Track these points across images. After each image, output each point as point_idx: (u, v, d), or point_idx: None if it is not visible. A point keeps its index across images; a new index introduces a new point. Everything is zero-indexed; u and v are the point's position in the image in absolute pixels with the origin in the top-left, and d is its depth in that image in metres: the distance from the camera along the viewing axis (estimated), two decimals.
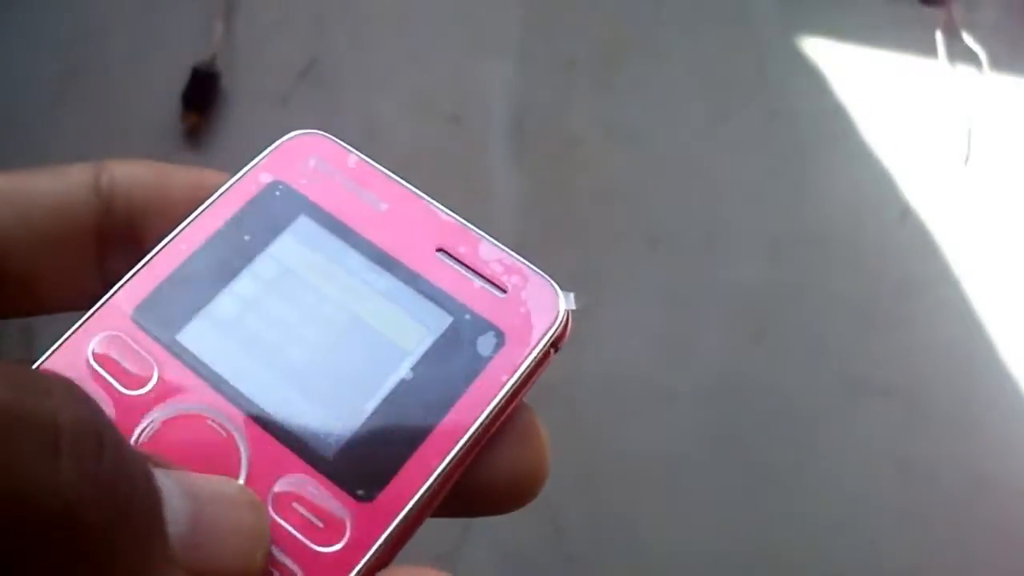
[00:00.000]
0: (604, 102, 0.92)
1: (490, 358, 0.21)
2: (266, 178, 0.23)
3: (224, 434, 0.20)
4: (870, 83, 0.92)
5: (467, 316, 0.22)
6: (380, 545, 0.19)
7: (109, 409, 0.20)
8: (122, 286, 0.22)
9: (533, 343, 0.21)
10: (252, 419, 0.20)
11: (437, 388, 0.21)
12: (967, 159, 0.88)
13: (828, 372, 0.81)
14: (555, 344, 0.22)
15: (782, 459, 0.78)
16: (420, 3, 0.98)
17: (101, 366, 0.21)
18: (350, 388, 0.21)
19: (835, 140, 0.90)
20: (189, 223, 0.22)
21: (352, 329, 0.22)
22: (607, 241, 0.86)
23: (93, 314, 0.22)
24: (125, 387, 0.21)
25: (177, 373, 0.21)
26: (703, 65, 0.94)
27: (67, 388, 0.15)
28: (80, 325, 0.21)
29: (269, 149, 0.24)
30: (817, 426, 0.79)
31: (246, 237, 0.22)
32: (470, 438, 0.20)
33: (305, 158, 0.23)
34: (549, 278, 0.22)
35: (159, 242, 0.22)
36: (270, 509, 0.19)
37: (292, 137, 0.24)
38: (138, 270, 0.22)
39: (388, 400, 0.21)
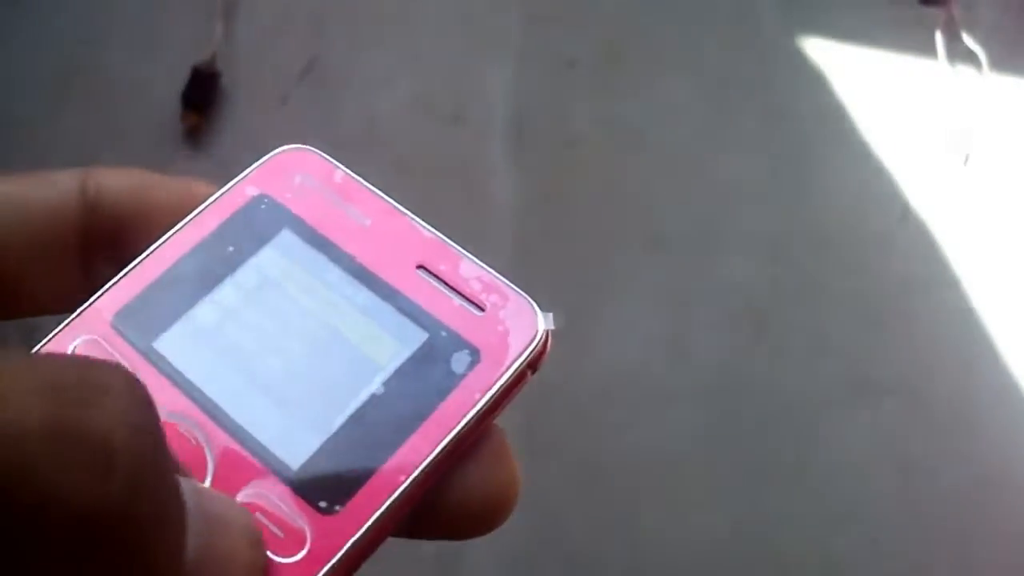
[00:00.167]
0: (604, 102, 0.92)
1: (464, 375, 0.21)
2: (252, 191, 0.24)
3: (194, 442, 0.20)
4: (870, 83, 0.92)
5: (443, 333, 0.22)
6: (339, 559, 0.19)
7: None
8: (104, 292, 0.22)
9: (508, 362, 0.21)
10: (221, 427, 0.20)
11: (408, 404, 0.21)
12: (967, 159, 0.88)
13: (828, 371, 0.81)
14: (533, 365, 0.22)
15: (782, 459, 0.78)
16: (420, 3, 0.98)
17: None
18: (321, 401, 0.21)
19: (835, 140, 0.90)
20: (174, 233, 0.23)
21: (327, 342, 0.22)
22: (607, 241, 0.86)
23: (74, 318, 0.22)
24: None
25: (152, 380, 0.21)
26: (703, 65, 0.94)
27: (126, 390, 0.14)
28: (60, 329, 0.22)
29: (257, 163, 0.24)
30: (817, 425, 0.79)
31: (229, 248, 0.23)
32: (438, 455, 0.20)
33: (292, 173, 0.24)
34: (529, 298, 0.22)
35: (144, 250, 0.23)
36: None
37: (280, 152, 0.24)
38: (121, 277, 0.22)
39: (358, 414, 0.21)
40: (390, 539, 0.21)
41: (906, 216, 0.86)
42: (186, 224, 0.23)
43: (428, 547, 0.74)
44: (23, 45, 0.95)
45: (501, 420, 0.22)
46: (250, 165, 0.24)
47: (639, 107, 0.92)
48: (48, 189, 0.22)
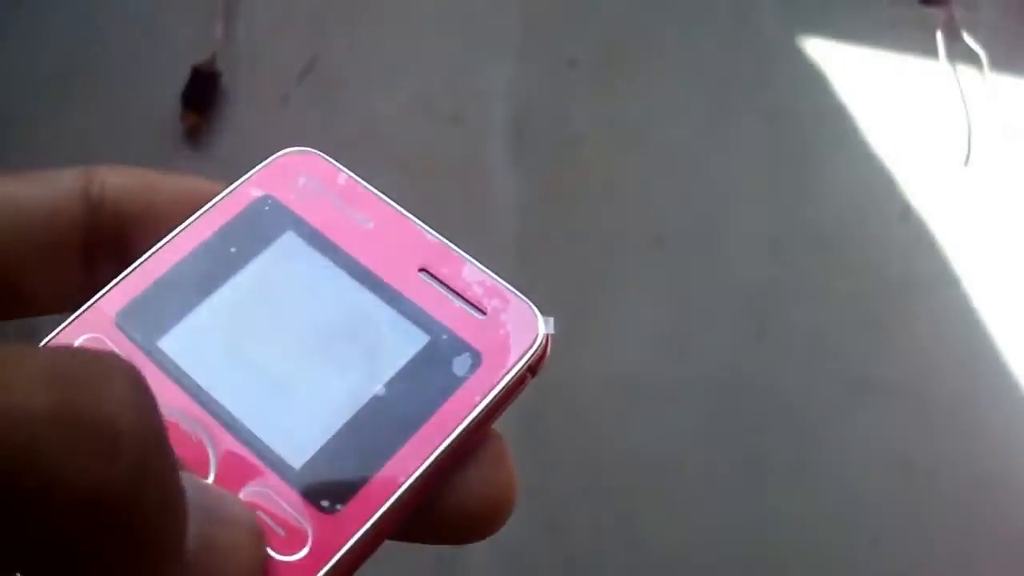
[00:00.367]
0: (604, 102, 0.92)
1: (465, 378, 0.21)
2: (256, 192, 0.24)
3: (196, 440, 0.20)
4: (870, 83, 0.92)
5: (444, 336, 0.22)
6: (340, 558, 0.19)
7: None
8: (108, 290, 0.22)
9: (509, 366, 0.21)
10: (223, 426, 0.21)
11: (409, 406, 0.21)
12: (967, 159, 0.88)
13: (829, 371, 0.81)
14: (533, 368, 0.22)
15: (783, 458, 0.78)
16: (420, 3, 0.98)
17: None
18: (323, 401, 0.21)
19: (836, 140, 0.90)
20: (178, 232, 0.23)
21: (330, 344, 0.22)
22: (608, 241, 0.86)
23: (78, 316, 0.22)
24: None
25: (155, 378, 0.21)
26: (703, 65, 0.94)
27: (128, 377, 0.14)
28: (64, 327, 0.22)
29: (261, 165, 0.24)
30: (818, 426, 0.79)
31: (232, 249, 0.23)
32: (438, 457, 0.20)
33: (296, 175, 0.24)
34: (530, 302, 0.22)
35: (148, 250, 0.23)
36: None
37: (284, 154, 0.24)
38: (125, 275, 0.22)
39: (359, 415, 0.21)
40: (389, 539, 0.21)
41: (906, 216, 0.86)
42: (190, 224, 0.23)
43: (428, 547, 0.74)
44: (23, 45, 0.95)
45: (502, 419, 0.22)
46: (250, 165, 0.24)
47: (639, 107, 0.92)
48: (51, 188, 0.22)
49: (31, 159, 0.86)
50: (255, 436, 0.21)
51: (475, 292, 0.22)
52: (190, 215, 0.23)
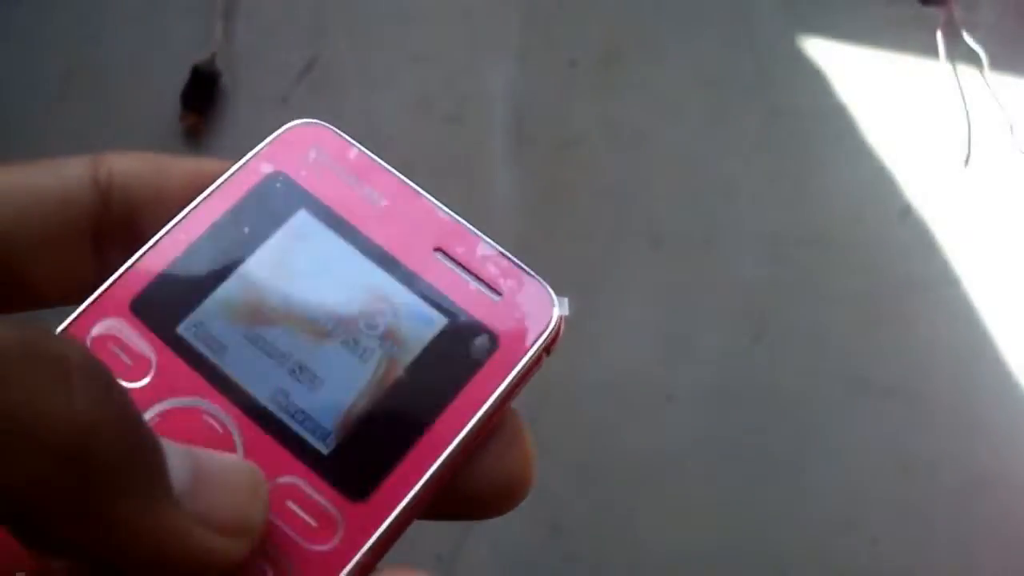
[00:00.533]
0: (604, 102, 0.92)
1: (483, 361, 0.21)
2: (266, 168, 0.23)
3: (220, 429, 0.20)
4: (870, 83, 0.92)
5: (462, 318, 0.22)
6: (371, 545, 0.19)
7: None
8: (120, 276, 0.22)
9: (526, 347, 0.21)
10: (248, 415, 0.20)
11: (431, 390, 0.21)
12: (967, 159, 0.88)
13: (828, 372, 0.81)
14: (548, 348, 0.22)
15: (782, 459, 0.78)
16: (420, 3, 0.98)
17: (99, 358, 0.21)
18: (345, 386, 0.21)
19: (835, 140, 0.90)
20: (189, 213, 0.22)
21: (347, 327, 0.21)
22: (607, 241, 0.86)
23: (91, 304, 0.21)
24: (122, 379, 0.20)
25: (174, 366, 0.21)
26: (703, 65, 0.94)
27: (70, 336, 0.16)
28: (77, 316, 0.21)
29: (270, 138, 0.24)
30: (817, 425, 0.79)
31: (245, 229, 0.22)
32: (462, 440, 0.20)
33: (306, 149, 0.23)
34: (545, 283, 0.22)
35: (159, 230, 0.22)
36: None
37: (293, 126, 0.24)
38: (136, 260, 0.22)
39: (382, 400, 0.21)
40: None
41: (906, 216, 0.86)
42: (200, 203, 0.22)
43: (428, 547, 0.74)
44: (23, 44, 0.95)
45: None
46: None
47: (639, 107, 0.92)
48: (59, 175, 0.22)
49: (31, 158, 0.85)
50: (281, 424, 0.20)
51: (491, 272, 0.22)
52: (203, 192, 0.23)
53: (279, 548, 0.19)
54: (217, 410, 0.20)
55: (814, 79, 0.92)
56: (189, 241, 0.22)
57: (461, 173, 0.89)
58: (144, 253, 0.22)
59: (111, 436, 0.15)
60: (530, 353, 0.21)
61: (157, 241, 0.22)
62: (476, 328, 0.21)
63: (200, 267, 0.22)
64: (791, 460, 0.78)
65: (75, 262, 0.22)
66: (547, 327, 0.22)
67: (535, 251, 0.84)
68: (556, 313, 0.22)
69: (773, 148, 0.90)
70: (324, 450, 0.20)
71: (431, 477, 0.20)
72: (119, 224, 0.22)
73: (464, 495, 0.21)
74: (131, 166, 0.23)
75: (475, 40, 0.95)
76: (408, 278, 0.22)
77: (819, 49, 0.94)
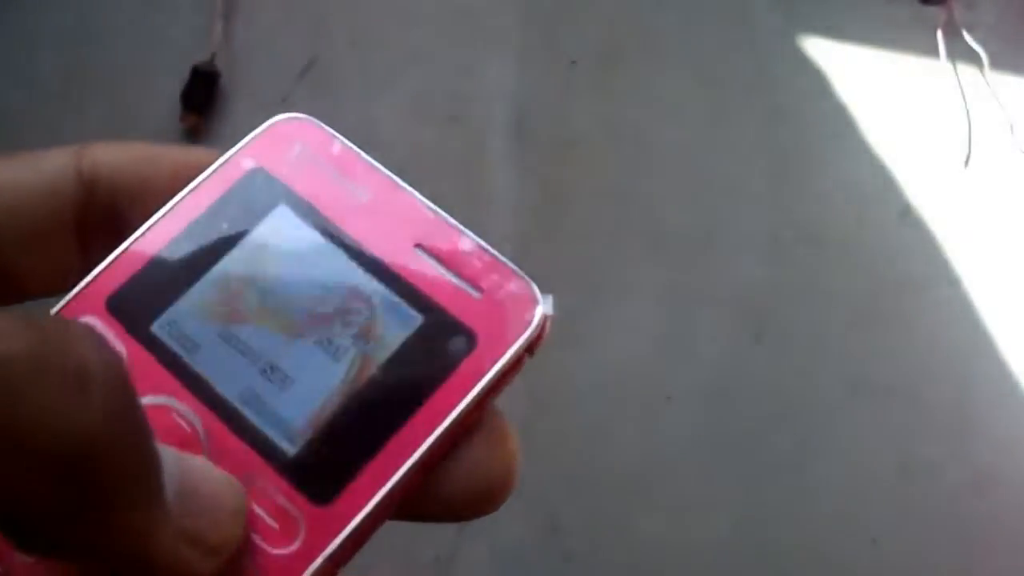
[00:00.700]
0: (604, 102, 0.92)
1: (460, 361, 0.20)
2: (248, 164, 0.23)
3: (187, 427, 0.20)
4: (870, 83, 0.92)
5: (440, 316, 0.21)
6: (332, 551, 0.19)
7: None
8: (99, 274, 0.22)
9: (506, 347, 0.21)
10: (215, 413, 0.20)
11: (404, 389, 0.20)
12: (967, 159, 0.88)
13: (828, 372, 0.81)
14: (530, 348, 0.21)
15: (782, 459, 0.78)
16: (420, 3, 0.98)
17: None
18: (317, 385, 0.21)
19: (835, 140, 0.90)
20: (169, 210, 0.22)
21: (323, 325, 0.21)
22: (607, 241, 0.86)
23: (68, 301, 0.21)
24: None
25: (146, 364, 0.21)
26: (703, 65, 0.94)
27: (93, 334, 0.15)
28: (55, 313, 0.21)
29: (254, 133, 0.23)
30: (817, 426, 0.79)
31: (224, 226, 0.22)
32: (433, 443, 0.20)
33: (290, 144, 0.23)
34: (529, 280, 0.21)
35: (138, 229, 0.22)
36: None
37: (278, 121, 0.23)
38: (115, 257, 0.22)
39: (353, 400, 0.20)
40: (388, 540, 0.21)
41: (906, 216, 0.86)
42: (181, 200, 0.22)
43: (427, 547, 0.74)
44: (23, 44, 0.95)
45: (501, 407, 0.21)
46: None
47: (639, 107, 0.92)
48: (42, 168, 0.22)
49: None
50: (248, 423, 0.20)
51: (472, 269, 0.21)
52: (184, 188, 0.22)
53: (241, 549, 0.19)
54: (186, 409, 0.20)
55: (814, 79, 0.92)
56: (167, 239, 0.22)
57: (461, 173, 0.89)
58: (123, 251, 0.22)
59: (121, 450, 0.15)
60: (509, 354, 0.20)
61: (136, 239, 0.22)
62: (454, 327, 0.21)
63: (177, 265, 0.22)
64: (791, 460, 0.78)
65: (60, 254, 0.22)
66: (529, 327, 0.21)
67: (535, 251, 0.84)
68: (539, 312, 0.21)
69: (773, 148, 0.90)
70: (290, 451, 0.20)
71: (398, 481, 0.19)
72: (104, 215, 0.22)
73: (444, 497, 0.20)
74: (116, 157, 0.22)
75: (475, 40, 0.95)
76: (386, 274, 0.22)
77: (819, 49, 0.94)
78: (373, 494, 0.19)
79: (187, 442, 0.20)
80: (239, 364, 0.21)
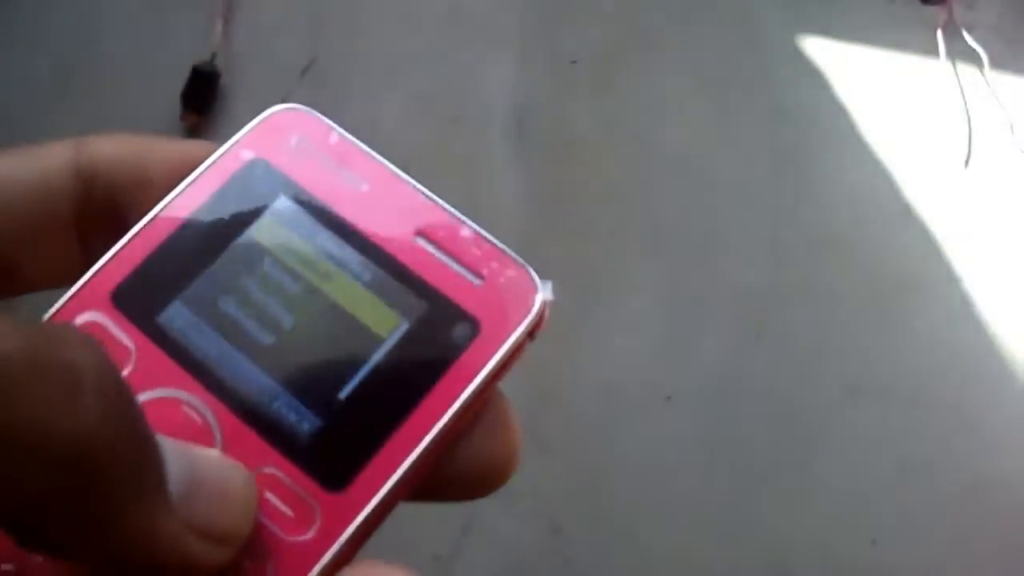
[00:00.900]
0: (604, 102, 0.92)
1: (464, 347, 0.21)
2: (247, 155, 0.23)
3: (199, 420, 0.20)
4: (870, 83, 0.92)
5: (443, 303, 0.21)
6: (349, 536, 0.19)
7: None
8: (102, 267, 0.22)
9: (508, 333, 0.21)
10: (226, 405, 0.20)
11: (410, 376, 0.21)
12: (967, 159, 0.88)
13: (828, 372, 0.81)
14: (531, 333, 0.21)
15: (782, 460, 0.78)
16: (420, 3, 0.98)
17: None
18: (324, 374, 0.21)
19: (835, 140, 0.90)
20: (169, 202, 0.22)
21: (328, 314, 0.21)
22: (607, 240, 0.86)
23: (72, 297, 0.21)
24: None
25: (154, 357, 0.21)
26: (704, 65, 0.94)
27: (85, 336, 0.15)
28: (59, 308, 0.21)
29: (251, 124, 0.24)
30: (817, 426, 0.79)
31: (225, 218, 0.22)
32: (442, 428, 0.20)
33: (287, 135, 0.23)
34: (529, 267, 0.22)
35: (140, 221, 0.22)
36: None
37: (275, 112, 0.24)
38: (117, 251, 0.22)
39: (361, 387, 0.21)
40: (388, 538, 0.21)
41: (906, 216, 0.86)
42: (181, 192, 0.22)
43: (427, 547, 0.74)
44: (23, 44, 0.95)
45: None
46: None
47: (639, 107, 0.92)
48: (40, 161, 0.22)
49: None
50: (258, 414, 0.20)
51: (473, 257, 0.22)
52: (183, 181, 0.23)
53: (257, 539, 0.19)
54: (197, 400, 0.20)
55: (815, 79, 0.92)
56: (169, 231, 0.22)
57: (461, 173, 0.89)
58: (124, 244, 0.22)
59: (117, 448, 0.15)
60: (512, 338, 0.21)
61: (138, 231, 0.22)
62: (457, 313, 0.21)
63: (179, 257, 0.22)
64: (791, 460, 0.78)
65: (59, 247, 0.22)
66: (530, 312, 0.21)
67: (535, 251, 0.84)
68: (539, 298, 0.21)
69: (773, 148, 0.90)
70: (302, 439, 0.20)
71: (411, 466, 0.20)
72: (102, 208, 0.22)
73: (447, 477, 0.21)
74: (114, 151, 0.22)
75: (475, 40, 0.95)
76: (388, 263, 0.22)
77: (820, 49, 0.94)
78: (386, 479, 0.19)
79: (199, 434, 0.20)
80: (246, 354, 0.21)
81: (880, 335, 0.82)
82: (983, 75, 0.91)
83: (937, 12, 0.93)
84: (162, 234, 0.22)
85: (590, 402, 0.80)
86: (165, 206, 0.22)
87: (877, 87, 0.92)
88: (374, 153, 0.23)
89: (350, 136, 0.23)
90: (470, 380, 0.20)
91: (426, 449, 0.20)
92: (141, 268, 0.22)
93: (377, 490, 0.19)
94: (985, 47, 0.91)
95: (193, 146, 0.23)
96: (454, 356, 0.21)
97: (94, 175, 0.22)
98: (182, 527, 0.16)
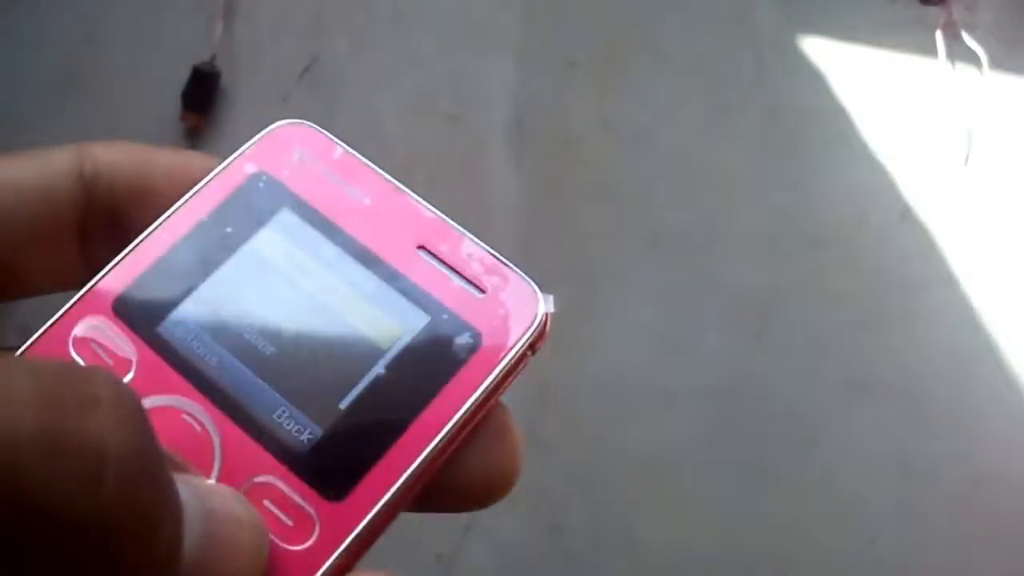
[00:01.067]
0: (604, 102, 0.92)
1: (466, 359, 0.21)
2: (250, 169, 0.23)
3: (199, 428, 0.20)
4: (870, 83, 0.92)
5: (444, 316, 0.22)
6: (347, 546, 0.19)
7: None
8: (104, 276, 0.22)
9: (509, 345, 0.21)
10: (226, 414, 0.20)
11: (411, 388, 0.21)
12: (967, 159, 0.88)
13: (828, 372, 0.81)
14: (532, 346, 0.22)
15: (782, 459, 0.78)
16: (420, 3, 0.98)
17: (81, 357, 0.21)
18: (325, 385, 0.21)
19: (835, 140, 0.90)
20: (172, 212, 0.22)
21: (329, 326, 0.22)
22: (607, 240, 0.86)
23: (74, 304, 0.22)
24: None
25: (155, 365, 0.21)
26: (703, 64, 0.94)
27: (115, 397, 0.14)
28: (61, 315, 0.21)
29: (255, 138, 0.24)
30: (816, 426, 0.79)
31: (228, 229, 0.22)
32: (442, 440, 0.20)
33: (290, 149, 0.24)
34: (530, 280, 0.22)
35: (142, 231, 0.22)
36: None
37: (278, 127, 0.24)
38: (120, 260, 0.22)
39: (362, 398, 0.21)
40: (390, 539, 0.21)
41: (906, 216, 0.86)
42: (184, 204, 0.23)
43: (428, 547, 0.74)
44: (22, 44, 0.95)
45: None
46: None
47: (639, 107, 0.92)
48: (43, 166, 0.22)
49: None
50: (258, 424, 0.20)
51: (474, 270, 0.22)
52: (185, 190, 0.23)
53: None
54: (196, 409, 0.20)
55: (814, 79, 0.92)
56: (171, 241, 0.22)
57: (461, 173, 0.89)
58: (127, 253, 0.22)
59: (136, 530, 0.14)
60: (513, 351, 0.21)
61: (140, 241, 0.22)
62: (459, 326, 0.21)
63: (182, 267, 0.22)
64: (790, 460, 0.78)
65: (61, 252, 0.22)
66: (531, 325, 0.21)
67: (535, 251, 0.84)
68: (541, 310, 0.22)
69: (773, 148, 0.90)
70: (302, 449, 0.20)
71: (409, 477, 0.20)
72: (104, 214, 0.22)
73: (450, 488, 0.21)
74: (116, 158, 0.22)
75: (475, 40, 0.95)
76: (390, 276, 0.22)
77: (819, 49, 0.94)
78: (385, 491, 0.20)
79: (198, 442, 0.20)
80: (246, 363, 0.21)
81: (880, 335, 0.82)
82: (983, 75, 0.91)
83: (937, 13, 0.93)
84: (165, 244, 0.22)
85: (590, 402, 0.80)
86: (169, 216, 0.22)
87: (876, 87, 0.92)
88: (376, 167, 0.23)
89: (352, 150, 0.24)
90: (471, 393, 0.21)
91: (426, 460, 0.20)
92: (144, 277, 0.22)
93: (376, 501, 0.19)
94: (984, 48, 0.91)
95: (195, 158, 0.23)
96: (455, 369, 0.21)
97: (97, 181, 0.22)
98: None
